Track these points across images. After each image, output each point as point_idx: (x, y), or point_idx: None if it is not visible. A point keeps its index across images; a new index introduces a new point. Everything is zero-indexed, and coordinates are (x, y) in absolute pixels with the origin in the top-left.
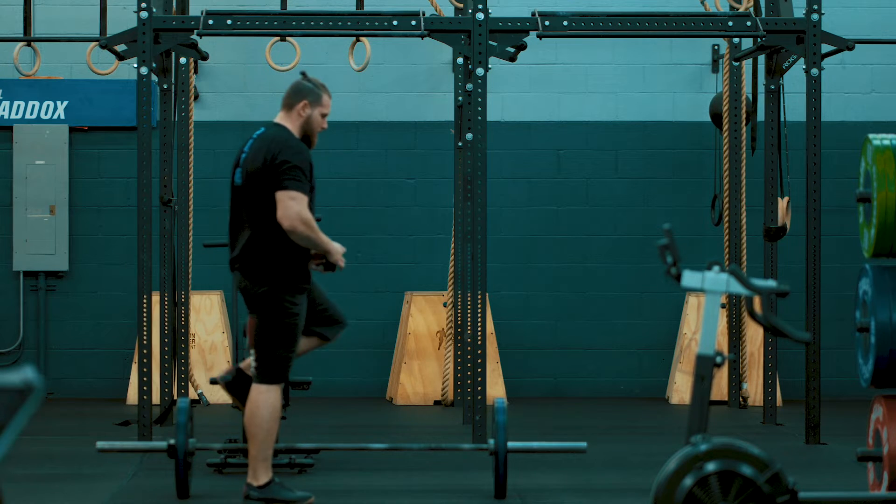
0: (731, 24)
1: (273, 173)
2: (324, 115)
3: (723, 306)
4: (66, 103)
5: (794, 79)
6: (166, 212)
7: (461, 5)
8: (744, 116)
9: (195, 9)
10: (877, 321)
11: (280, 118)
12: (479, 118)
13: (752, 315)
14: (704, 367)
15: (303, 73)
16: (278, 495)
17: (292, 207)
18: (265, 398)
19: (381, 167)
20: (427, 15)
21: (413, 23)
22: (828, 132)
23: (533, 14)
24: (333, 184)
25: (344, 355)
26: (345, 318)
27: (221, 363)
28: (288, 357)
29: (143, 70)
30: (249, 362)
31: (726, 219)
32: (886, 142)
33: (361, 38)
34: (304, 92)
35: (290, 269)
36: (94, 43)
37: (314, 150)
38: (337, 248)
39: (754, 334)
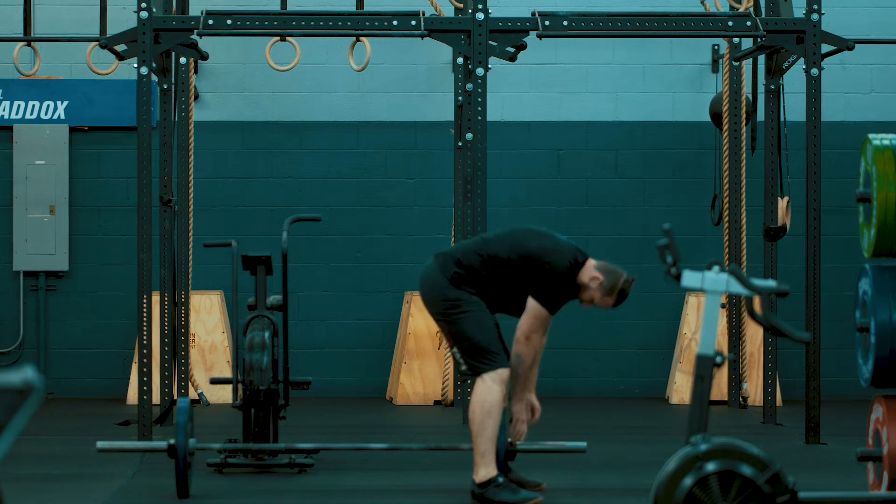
0: (731, 24)
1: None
2: (591, 300)
3: (723, 306)
4: (66, 103)
5: (794, 79)
6: (166, 212)
7: (461, 5)
8: (744, 116)
9: (195, 9)
10: (877, 321)
11: (588, 264)
12: (479, 118)
13: (752, 315)
14: (704, 367)
15: (630, 279)
16: (494, 497)
17: None
18: (477, 392)
19: (381, 167)
20: (427, 15)
21: (413, 23)
22: (828, 132)
23: (533, 14)
24: (333, 184)
25: (344, 355)
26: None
27: (221, 363)
28: (479, 347)
29: (143, 70)
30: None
31: (726, 219)
32: (886, 142)
33: (361, 38)
34: (608, 274)
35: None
36: (94, 43)
37: (314, 149)
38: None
39: (754, 334)
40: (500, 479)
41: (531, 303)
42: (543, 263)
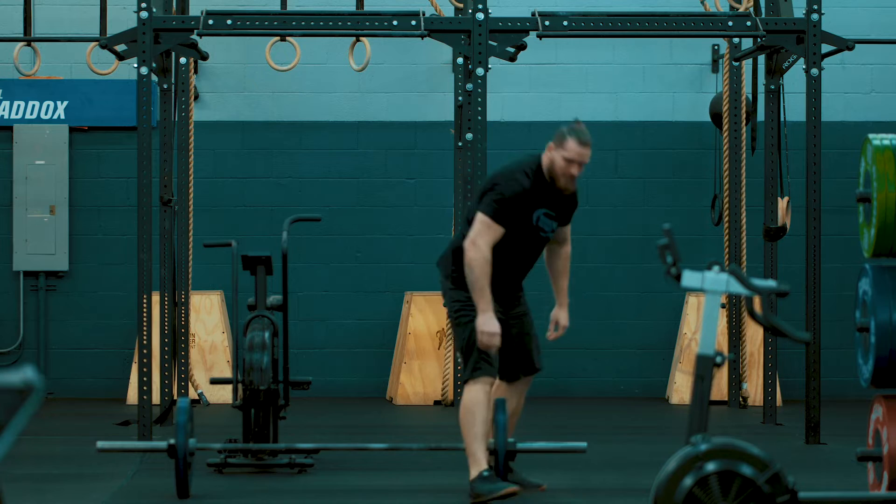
0: (731, 24)
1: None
2: (568, 161)
3: (723, 306)
4: (66, 103)
5: (794, 79)
6: (166, 212)
7: (461, 5)
8: (744, 116)
9: (195, 9)
10: (877, 321)
11: (544, 155)
12: (479, 118)
13: (752, 315)
14: (704, 367)
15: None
16: (476, 490)
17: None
18: (462, 398)
19: (381, 167)
20: (427, 15)
21: (413, 23)
22: (828, 132)
23: (533, 14)
24: (333, 184)
25: (344, 355)
26: (537, 366)
27: (221, 363)
28: (469, 355)
29: (143, 70)
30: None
31: (726, 219)
32: (886, 142)
33: (361, 38)
34: (556, 134)
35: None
36: (94, 43)
37: (314, 149)
38: (493, 324)
39: (754, 334)
40: (485, 473)
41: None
42: (494, 190)
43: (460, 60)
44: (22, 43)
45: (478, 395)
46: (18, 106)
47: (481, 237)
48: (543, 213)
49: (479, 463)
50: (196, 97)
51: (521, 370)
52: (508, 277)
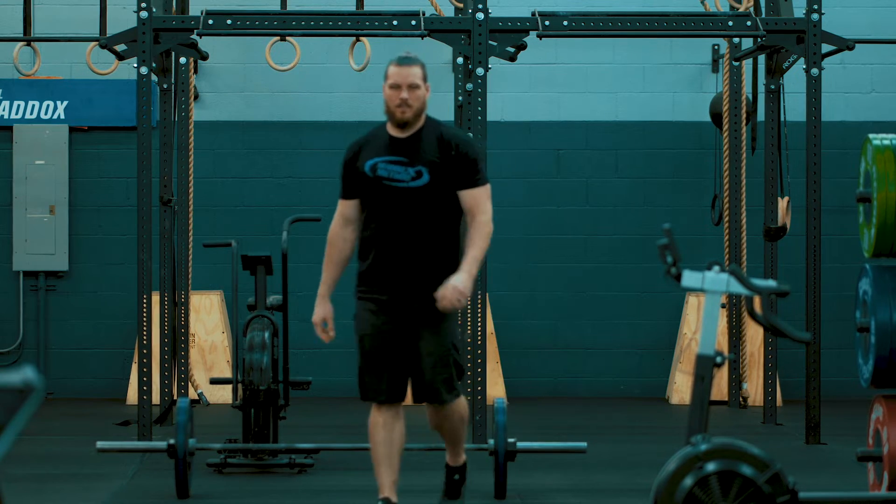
0: (731, 24)
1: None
2: (393, 87)
3: (723, 306)
4: (66, 103)
5: (794, 79)
6: (166, 212)
7: (461, 5)
8: (744, 116)
9: (195, 9)
10: (877, 321)
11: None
12: (479, 118)
13: (752, 315)
14: (704, 367)
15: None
16: None
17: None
18: None
19: None
20: (427, 15)
21: (413, 23)
22: (828, 132)
23: (533, 14)
24: (333, 184)
25: (344, 355)
26: (434, 395)
27: (221, 363)
28: (359, 370)
29: (143, 70)
30: None
31: (726, 219)
32: (886, 142)
33: (361, 38)
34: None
35: (359, 267)
36: (94, 43)
37: (314, 149)
38: (316, 309)
39: (754, 334)
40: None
41: None
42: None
43: (460, 60)
44: (22, 43)
45: (371, 420)
46: (18, 106)
47: (336, 224)
48: (383, 160)
49: (380, 488)
50: (196, 97)
51: (419, 396)
52: (390, 253)
